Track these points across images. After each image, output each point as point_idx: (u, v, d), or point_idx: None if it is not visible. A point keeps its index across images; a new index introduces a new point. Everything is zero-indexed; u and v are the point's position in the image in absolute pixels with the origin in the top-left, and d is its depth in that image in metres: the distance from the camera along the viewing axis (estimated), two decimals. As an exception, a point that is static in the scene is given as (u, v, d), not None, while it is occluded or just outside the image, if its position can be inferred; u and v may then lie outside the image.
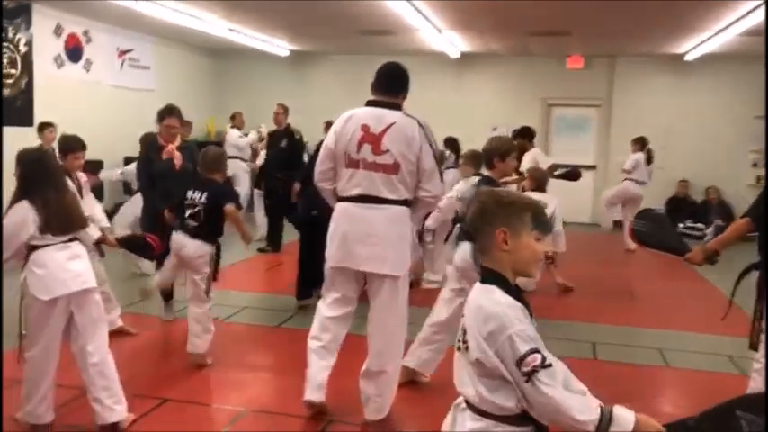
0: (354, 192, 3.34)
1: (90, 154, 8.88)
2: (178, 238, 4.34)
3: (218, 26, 9.73)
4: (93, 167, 9.07)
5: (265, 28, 10.20)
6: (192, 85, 12.54)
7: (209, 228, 4.34)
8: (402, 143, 3.26)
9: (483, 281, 1.82)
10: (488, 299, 1.76)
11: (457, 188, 5.60)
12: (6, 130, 7.93)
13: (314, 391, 3.47)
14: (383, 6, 7.80)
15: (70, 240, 3.29)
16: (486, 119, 11.91)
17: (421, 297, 5.65)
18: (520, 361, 1.67)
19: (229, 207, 4.32)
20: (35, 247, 3.18)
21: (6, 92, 8.42)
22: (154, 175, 5.10)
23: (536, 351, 1.67)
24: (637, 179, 9.38)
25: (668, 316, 6.04)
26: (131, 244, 4.71)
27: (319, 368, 3.47)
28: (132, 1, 7.87)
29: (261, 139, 11.23)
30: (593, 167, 11.95)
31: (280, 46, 11.76)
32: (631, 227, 3.95)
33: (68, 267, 3.20)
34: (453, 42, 10.53)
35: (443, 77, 12.27)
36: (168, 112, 5.13)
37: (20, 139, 6.32)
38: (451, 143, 10.41)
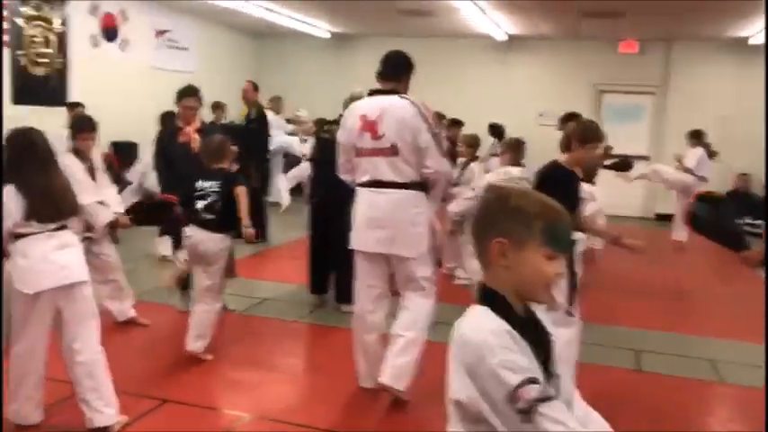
0: (364, 178, 3.50)
1: (125, 135, 8.97)
2: (194, 234, 4.05)
3: (255, 6, 9.48)
4: (128, 149, 9.02)
5: (305, 8, 9.90)
6: (232, 68, 12.34)
7: (228, 218, 4.06)
8: (396, 125, 3.34)
9: (478, 301, 1.45)
10: (470, 324, 1.39)
11: (488, 177, 5.22)
12: (39, 109, 7.90)
13: (366, 379, 3.63)
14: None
15: (59, 229, 3.04)
16: (533, 105, 11.39)
17: (452, 295, 5.28)
18: (511, 396, 1.29)
19: (240, 188, 4.03)
20: (20, 236, 2.95)
21: (41, 71, 8.34)
22: (170, 158, 4.86)
23: (531, 381, 1.30)
24: (700, 175, 8.58)
25: (722, 322, 5.52)
26: (146, 215, 4.50)
27: (374, 359, 3.56)
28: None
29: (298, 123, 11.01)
30: (645, 158, 11.33)
31: (320, 27, 11.46)
32: (688, 209, 3.55)
33: (53, 259, 2.95)
34: (499, 24, 10.03)
35: (487, 61, 11.77)
36: (186, 93, 4.89)
37: (52, 118, 6.20)
38: (495, 129, 9.95)
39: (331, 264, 5.11)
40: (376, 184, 3.43)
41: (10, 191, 2.92)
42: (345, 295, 5.04)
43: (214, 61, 11.69)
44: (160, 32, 10.51)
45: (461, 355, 1.37)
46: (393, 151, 3.36)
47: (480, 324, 1.38)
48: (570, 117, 7.66)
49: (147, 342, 4.47)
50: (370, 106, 3.45)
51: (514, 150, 5.51)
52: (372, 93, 3.57)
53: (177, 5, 9.96)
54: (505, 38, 11.10)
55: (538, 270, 1.40)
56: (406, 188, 3.39)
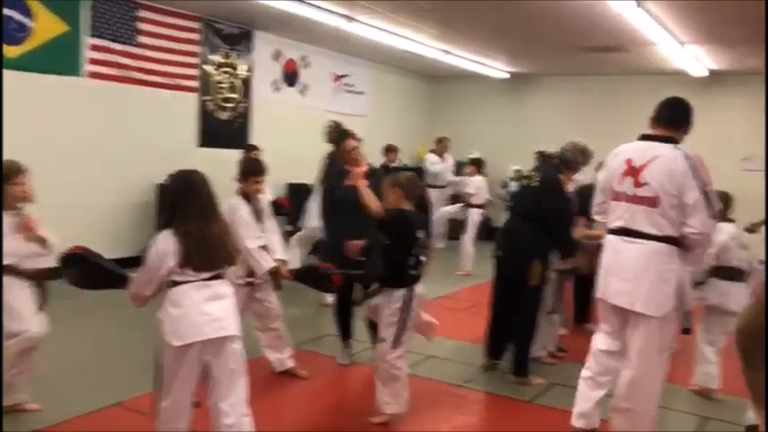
0: (616, 224, 3.40)
1: (300, 177, 9.09)
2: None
3: (431, 48, 9.33)
4: (300, 191, 9.13)
5: (481, 48, 9.59)
6: (405, 110, 12.33)
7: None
8: (663, 176, 3.21)
9: None
10: None
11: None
12: (221, 151, 8.22)
13: (577, 419, 3.52)
14: (615, 18, 6.76)
15: (213, 278, 2.85)
16: (736, 148, 10.14)
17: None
18: None
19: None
20: (174, 284, 2.79)
21: (226, 115, 8.72)
22: (335, 202, 4.65)
23: None
24: None
25: None
26: (307, 277, 4.33)
27: (586, 398, 3.52)
28: (346, 22, 7.70)
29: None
30: None
31: (496, 68, 11.09)
32: None
33: (205, 310, 2.75)
34: (698, 58, 9.03)
35: (682, 100, 10.70)
36: (346, 134, 4.75)
37: (232, 160, 6.32)
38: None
39: (513, 329, 4.59)
40: (628, 232, 3.32)
41: (167, 235, 2.78)
42: (522, 368, 4.53)
43: (386, 104, 11.72)
44: (338, 77, 10.70)
45: None
46: (653, 202, 3.24)
47: None
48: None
49: (303, 397, 4.19)
50: (638, 151, 3.34)
51: (724, 205, 4.70)
52: (644, 137, 3.41)
53: (355, 50, 10.06)
54: (704, 74, 10.01)
55: None
56: (660, 241, 3.22)
